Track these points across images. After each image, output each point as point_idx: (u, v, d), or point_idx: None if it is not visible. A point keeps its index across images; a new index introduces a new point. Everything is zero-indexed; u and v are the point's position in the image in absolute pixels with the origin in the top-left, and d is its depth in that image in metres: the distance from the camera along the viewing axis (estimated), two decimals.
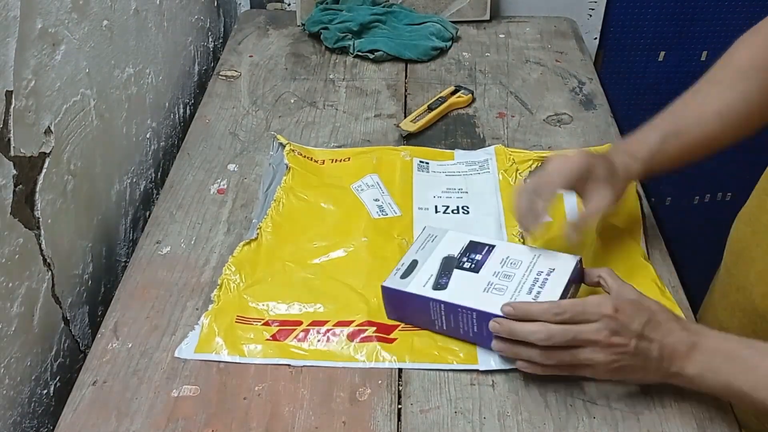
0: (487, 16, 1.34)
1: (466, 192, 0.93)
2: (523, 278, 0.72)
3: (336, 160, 0.99)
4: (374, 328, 0.75)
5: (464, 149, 1.02)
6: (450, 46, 1.27)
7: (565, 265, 0.73)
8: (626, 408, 0.69)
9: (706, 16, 1.44)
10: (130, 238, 1.00)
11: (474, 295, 0.71)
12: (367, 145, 1.02)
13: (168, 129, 1.14)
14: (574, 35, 1.32)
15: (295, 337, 0.75)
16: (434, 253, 0.77)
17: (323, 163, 0.99)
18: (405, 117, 1.08)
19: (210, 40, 1.35)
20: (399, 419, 0.68)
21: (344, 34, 1.24)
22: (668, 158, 0.80)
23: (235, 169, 0.98)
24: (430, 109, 1.07)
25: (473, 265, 0.74)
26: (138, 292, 0.80)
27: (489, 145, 1.02)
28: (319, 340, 0.74)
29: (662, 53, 1.48)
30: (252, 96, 1.14)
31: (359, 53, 1.23)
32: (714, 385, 0.64)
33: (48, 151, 0.75)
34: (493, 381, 0.71)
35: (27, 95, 0.70)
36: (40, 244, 0.75)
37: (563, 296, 0.70)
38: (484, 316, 0.69)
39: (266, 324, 0.76)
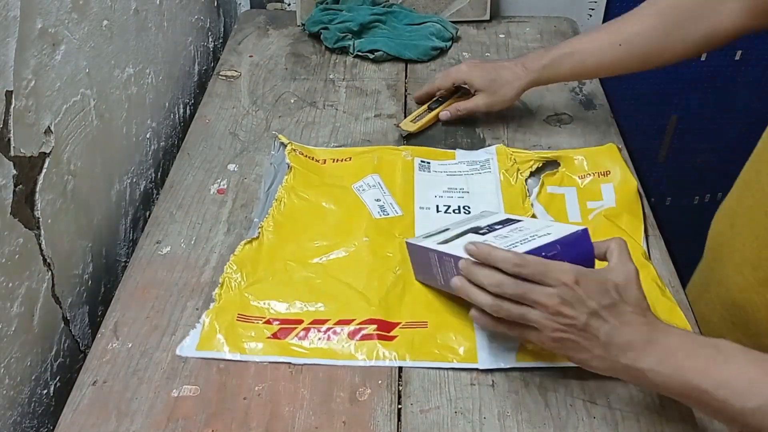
0: (487, 16, 1.34)
1: (468, 192, 0.93)
2: (516, 239, 0.69)
3: (337, 160, 0.99)
4: (374, 326, 0.75)
5: (464, 149, 1.02)
6: (450, 46, 1.27)
7: (563, 230, 0.69)
8: (626, 408, 0.69)
9: None
10: (130, 238, 1.00)
11: (461, 246, 0.69)
12: (367, 145, 1.02)
13: (168, 129, 1.14)
14: (574, 35, 1.32)
15: (296, 336, 0.75)
16: (469, 224, 0.77)
17: (324, 162, 0.99)
18: (405, 117, 1.08)
19: (210, 40, 1.35)
20: (399, 419, 0.68)
21: (344, 34, 1.24)
22: (560, 74, 0.98)
23: (235, 169, 0.98)
24: (430, 109, 1.07)
25: (487, 231, 0.73)
26: (138, 292, 0.80)
27: (489, 145, 1.02)
28: (319, 339, 0.75)
29: None
30: (252, 96, 1.14)
31: (359, 53, 1.23)
32: (669, 382, 0.59)
33: (48, 151, 0.75)
34: (493, 381, 0.71)
35: (27, 95, 0.70)
36: (40, 244, 0.75)
37: (542, 256, 0.65)
38: (458, 260, 0.68)
39: (267, 322, 0.76)
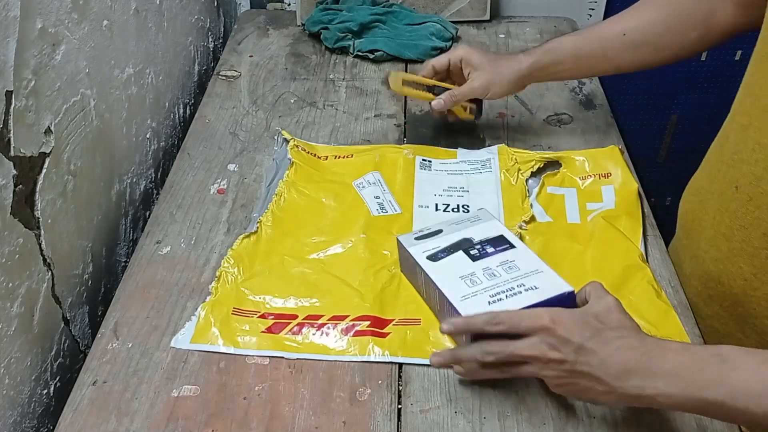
0: (487, 16, 1.34)
1: (467, 191, 0.94)
2: (504, 283, 0.71)
3: (339, 157, 0.99)
4: (368, 323, 0.76)
5: (462, 148, 1.02)
6: (450, 46, 1.27)
7: (551, 289, 0.70)
8: (626, 408, 0.69)
9: None
10: (130, 238, 1.00)
11: (449, 276, 0.73)
12: (367, 145, 1.02)
13: (168, 129, 1.14)
14: None
15: (290, 331, 0.75)
16: (462, 231, 0.79)
17: (326, 159, 0.99)
18: (405, 117, 1.08)
19: (210, 40, 1.35)
20: (399, 419, 0.68)
21: (344, 34, 1.24)
22: (562, 60, 0.93)
23: (235, 169, 0.98)
24: (425, 87, 0.98)
25: (477, 254, 0.75)
26: (138, 292, 0.80)
27: (489, 145, 1.02)
28: (313, 334, 0.75)
29: None
30: (252, 96, 1.14)
31: (359, 53, 1.23)
32: (683, 402, 0.58)
33: (48, 151, 0.75)
34: (493, 381, 0.71)
35: (27, 95, 0.70)
36: (40, 244, 0.75)
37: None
38: (444, 297, 0.71)
39: (262, 317, 0.77)
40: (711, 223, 0.79)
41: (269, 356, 0.73)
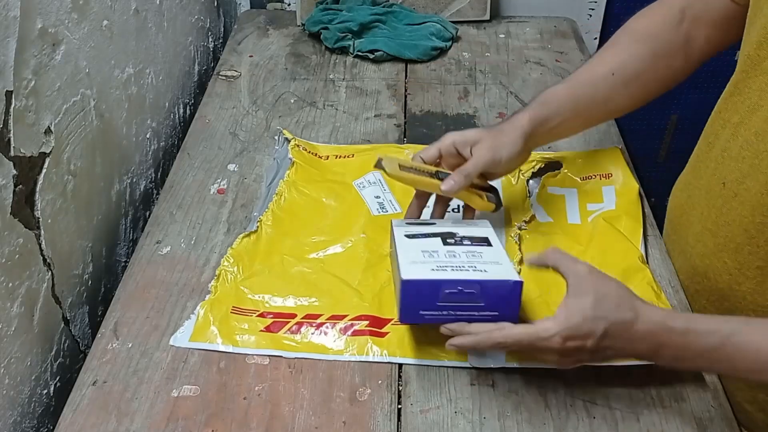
0: (487, 16, 1.34)
1: None
2: (458, 263, 0.69)
3: (340, 156, 0.99)
4: (366, 322, 0.76)
5: None
6: (450, 46, 1.27)
7: (497, 275, 0.68)
8: (626, 408, 0.69)
9: None
10: (130, 238, 1.00)
11: (413, 248, 0.72)
12: (368, 145, 1.02)
13: (168, 129, 1.14)
14: (574, 35, 1.32)
15: (289, 330, 0.75)
16: (452, 227, 0.77)
17: (327, 158, 0.99)
18: (405, 116, 1.07)
19: (210, 40, 1.35)
20: (399, 419, 0.68)
21: (344, 34, 1.24)
22: (557, 109, 0.82)
23: (235, 169, 0.98)
24: (419, 171, 0.79)
25: (452, 243, 0.74)
26: (138, 292, 0.80)
27: None
28: (312, 333, 0.75)
29: None
30: (252, 96, 1.14)
31: (359, 53, 1.23)
32: (692, 368, 0.68)
33: (48, 151, 0.75)
34: (493, 381, 0.71)
35: (27, 95, 0.70)
36: (40, 244, 0.75)
37: (458, 290, 0.67)
38: (397, 260, 0.71)
39: (261, 315, 0.77)
40: (698, 218, 0.80)
41: (269, 356, 0.73)
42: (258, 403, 0.69)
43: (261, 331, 0.75)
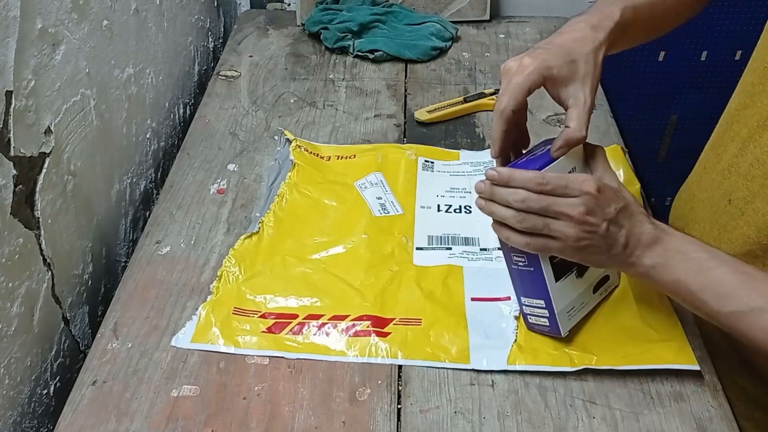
0: (487, 16, 1.34)
1: (469, 192, 0.94)
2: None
3: (342, 157, 0.99)
4: (368, 323, 0.76)
5: (465, 149, 1.02)
6: (450, 46, 1.27)
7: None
8: (626, 408, 0.69)
9: (706, 16, 1.44)
10: (130, 238, 1.00)
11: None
12: (370, 145, 1.02)
13: (168, 129, 1.14)
14: None
15: (290, 330, 0.75)
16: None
17: (329, 159, 0.99)
18: (405, 117, 1.08)
19: (210, 40, 1.35)
20: (399, 419, 0.68)
21: (344, 34, 1.24)
22: (630, 31, 0.74)
23: (235, 169, 0.98)
24: (461, 101, 1.07)
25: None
26: (138, 292, 0.80)
27: (489, 146, 1.02)
28: (314, 334, 0.75)
29: (662, 53, 1.48)
30: (252, 96, 1.14)
31: (359, 53, 1.23)
32: (666, 279, 0.65)
33: (48, 151, 0.75)
34: (493, 381, 0.71)
35: (27, 95, 0.70)
36: (40, 244, 0.75)
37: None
38: None
39: (263, 316, 0.77)
40: (700, 232, 0.79)
41: (269, 356, 0.73)
42: (258, 403, 0.69)
43: (263, 332, 0.75)
